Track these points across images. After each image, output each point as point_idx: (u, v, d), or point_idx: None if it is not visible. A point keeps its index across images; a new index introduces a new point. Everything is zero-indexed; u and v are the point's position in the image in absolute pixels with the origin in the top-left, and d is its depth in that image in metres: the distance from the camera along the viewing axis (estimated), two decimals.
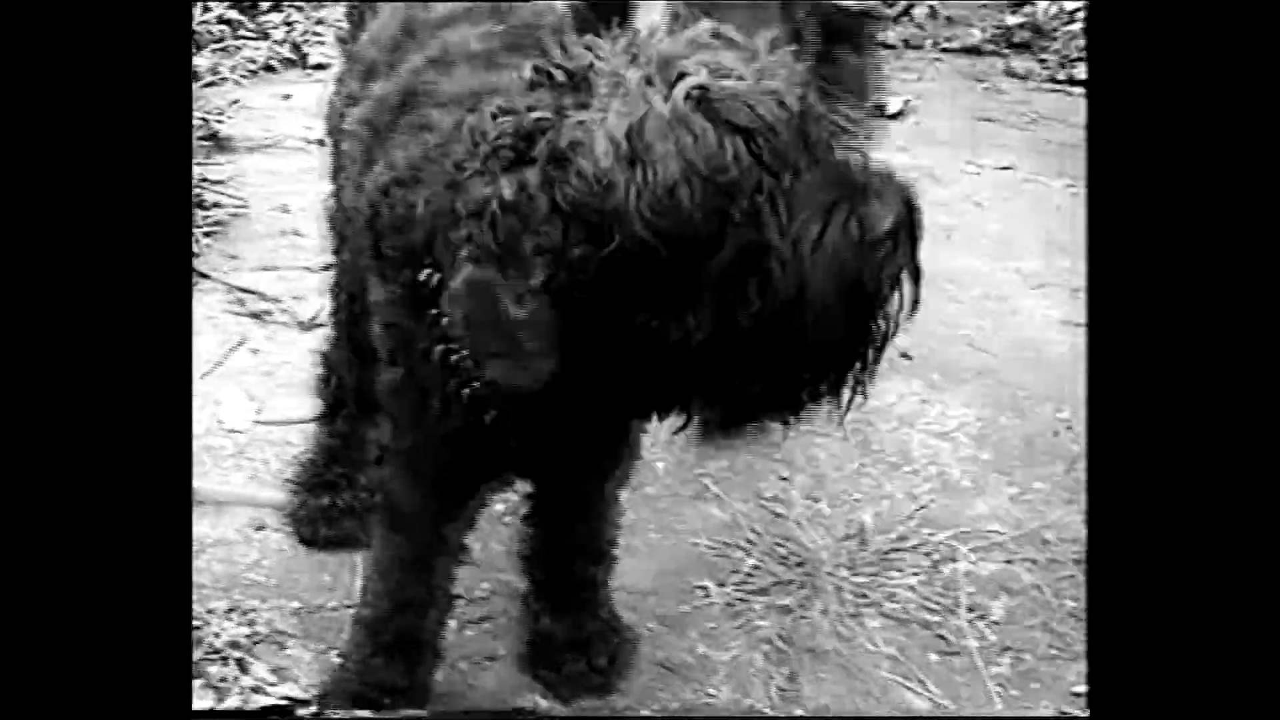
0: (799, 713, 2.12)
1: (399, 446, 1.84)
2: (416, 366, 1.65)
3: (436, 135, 1.62)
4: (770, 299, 1.31)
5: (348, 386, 2.27)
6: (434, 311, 1.51)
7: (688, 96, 1.30)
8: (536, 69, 1.40)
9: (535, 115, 1.35)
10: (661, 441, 2.48)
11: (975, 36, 4.68)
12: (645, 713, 2.10)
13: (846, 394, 1.43)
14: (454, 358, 1.52)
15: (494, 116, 1.39)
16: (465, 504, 1.93)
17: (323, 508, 2.35)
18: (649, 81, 1.32)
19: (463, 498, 1.91)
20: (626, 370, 1.42)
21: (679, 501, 2.49)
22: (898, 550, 2.39)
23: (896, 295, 1.36)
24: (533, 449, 1.67)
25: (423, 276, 1.51)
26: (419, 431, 1.76)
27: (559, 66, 1.38)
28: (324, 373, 2.34)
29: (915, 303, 1.38)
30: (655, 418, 1.55)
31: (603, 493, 2.03)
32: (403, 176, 1.63)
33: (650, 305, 1.33)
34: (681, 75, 1.32)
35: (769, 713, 2.10)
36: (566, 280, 1.34)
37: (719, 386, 1.40)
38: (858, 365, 1.40)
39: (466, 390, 1.56)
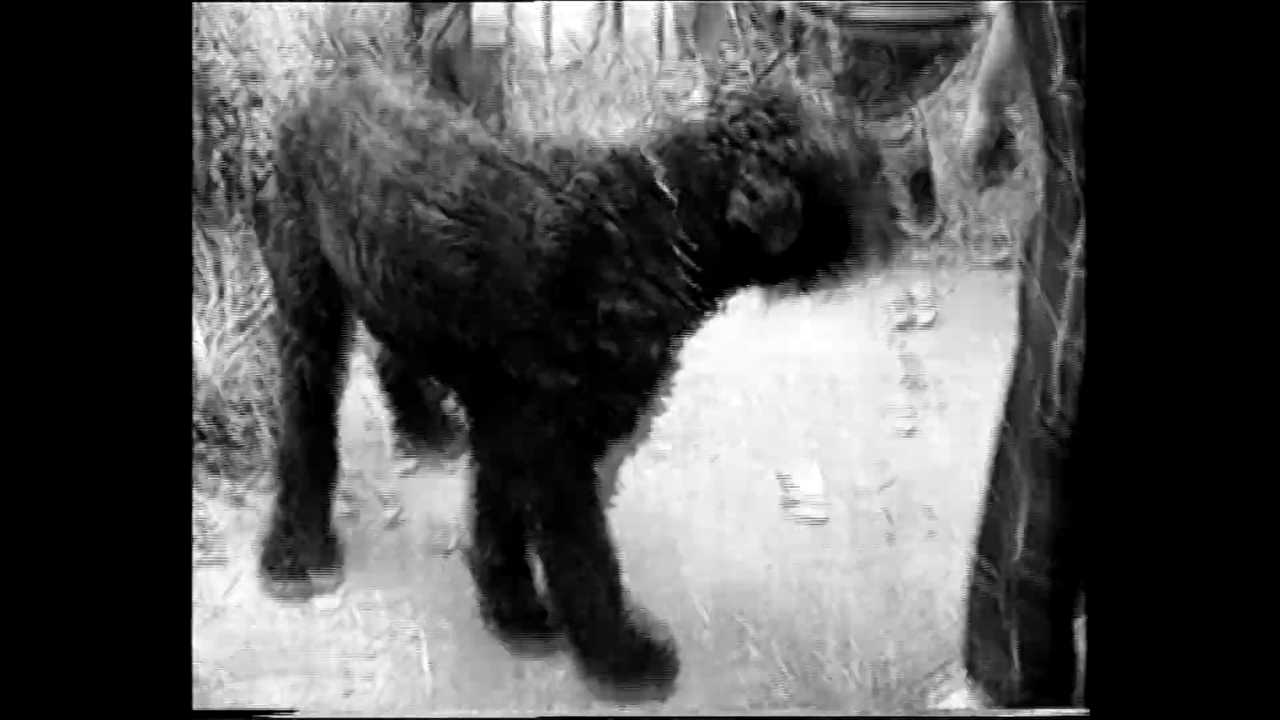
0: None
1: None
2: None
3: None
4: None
5: (300, 465, 2.89)
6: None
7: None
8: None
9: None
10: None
11: (1005, 253, 5.07)
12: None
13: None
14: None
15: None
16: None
17: (288, 569, 2.92)
18: None
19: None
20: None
21: (723, 648, 2.82)
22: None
23: None
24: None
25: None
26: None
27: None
28: (283, 460, 2.93)
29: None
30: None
31: None
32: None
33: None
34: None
35: None
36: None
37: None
38: None
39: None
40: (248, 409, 3.45)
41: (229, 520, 3.14)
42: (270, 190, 2.85)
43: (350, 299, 2.69)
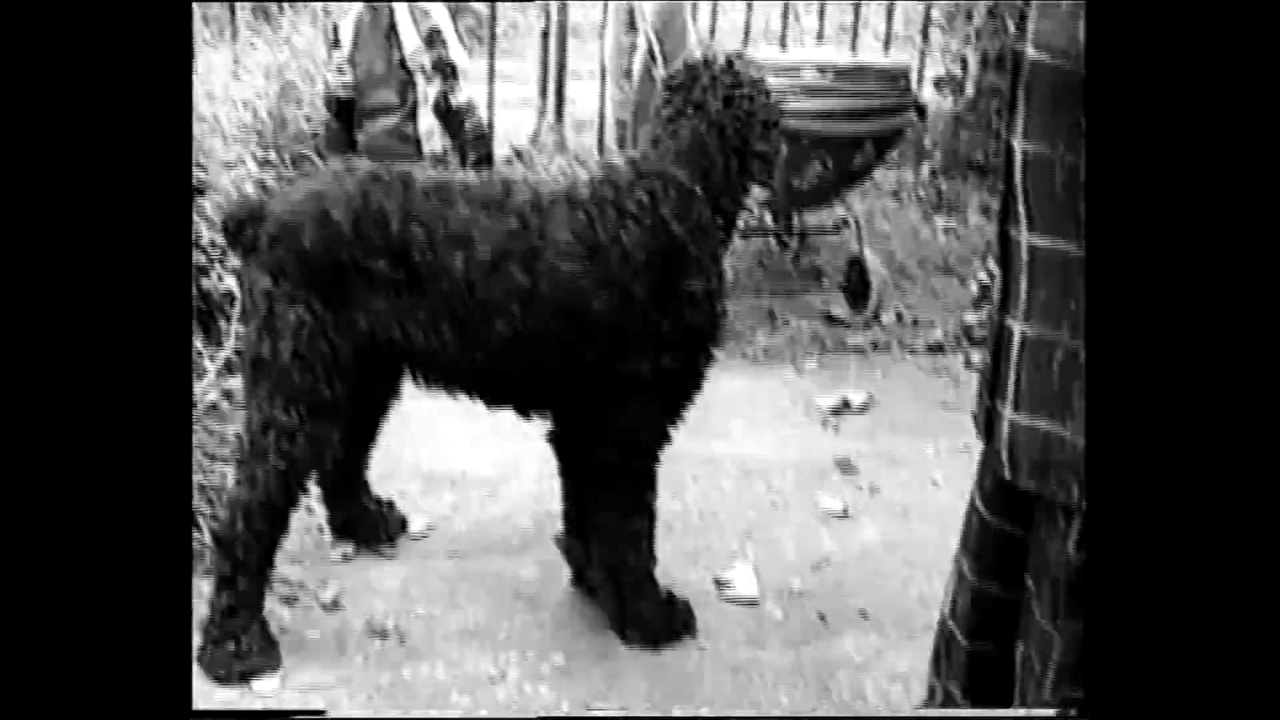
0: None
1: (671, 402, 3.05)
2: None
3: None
4: None
5: (254, 550, 2.95)
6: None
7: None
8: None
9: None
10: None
11: (937, 335, 5.24)
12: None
13: None
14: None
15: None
16: None
17: (230, 652, 2.97)
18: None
19: None
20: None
21: None
22: None
23: None
24: None
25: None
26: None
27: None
28: (233, 543, 2.95)
29: None
30: None
31: None
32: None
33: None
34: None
35: None
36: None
37: None
38: None
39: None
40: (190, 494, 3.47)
41: None
42: (261, 282, 2.90)
43: (424, 366, 3.05)
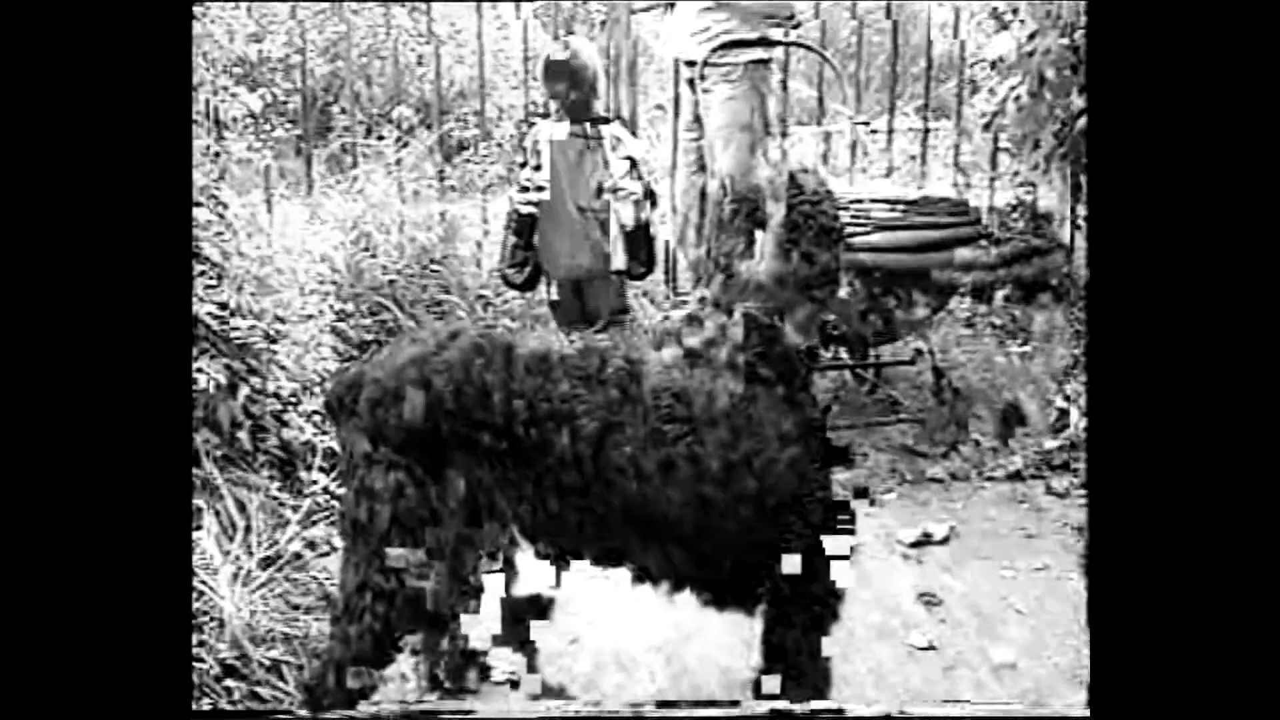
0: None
1: None
2: None
3: None
4: None
5: (340, 703, 2.96)
6: None
7: None
8: None
9: None
10: None
11: (1017, 463, 5.24)
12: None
13: None
14: None
15: None
16: None
17: None
18: None
19: None
20: None
21: None
22: None
23: None
24: None
25: None
26: None
27: None
28: (328, 689, 2.97)
29: None
30: None
31: None
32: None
33: None
34: None
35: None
36: None
37: None
38: None
39: None
40: (273, 643, 3.56)
41: None
42: (360, 446, 2.94)
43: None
